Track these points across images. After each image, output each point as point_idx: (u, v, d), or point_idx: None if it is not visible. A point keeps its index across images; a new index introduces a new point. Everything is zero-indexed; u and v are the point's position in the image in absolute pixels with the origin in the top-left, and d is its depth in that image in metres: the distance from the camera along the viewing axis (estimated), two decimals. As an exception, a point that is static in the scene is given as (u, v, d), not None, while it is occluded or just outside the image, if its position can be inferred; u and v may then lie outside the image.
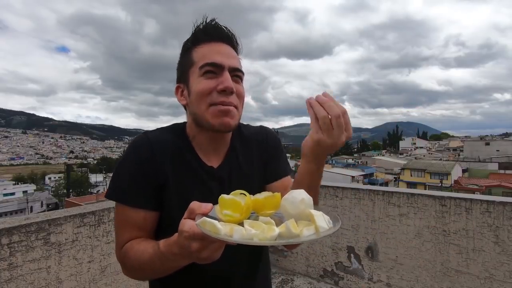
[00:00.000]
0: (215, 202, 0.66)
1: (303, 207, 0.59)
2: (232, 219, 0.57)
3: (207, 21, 0.82)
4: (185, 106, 0.86)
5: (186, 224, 0.57)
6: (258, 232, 0.51)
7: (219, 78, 0.77)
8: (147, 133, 0.84)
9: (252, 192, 0.72)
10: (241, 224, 0.56)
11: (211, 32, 0.81)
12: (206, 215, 0.58)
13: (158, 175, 0.79)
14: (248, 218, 0.59)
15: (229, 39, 0.83)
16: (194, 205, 0.59)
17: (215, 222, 0.52)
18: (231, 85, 0.77)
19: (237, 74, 0.81)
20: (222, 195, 0.60)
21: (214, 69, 0.77)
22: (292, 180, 0.88)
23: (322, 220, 0.55)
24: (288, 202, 0.60)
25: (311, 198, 0.61)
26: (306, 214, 0.58)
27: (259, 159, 0.94)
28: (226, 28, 0.83)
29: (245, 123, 0.98)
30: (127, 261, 0.76)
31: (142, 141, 0.81)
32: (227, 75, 0.77)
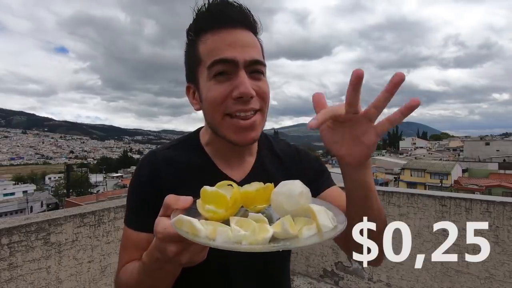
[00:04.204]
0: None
1: (302, 202, 0.48)
2: (216, 216, 0.47)
3: (210, 1, 0.64)
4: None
5: (160, 224, 0.47)
6: (247, 233, 0.40)
7: (233, 80, 0.62)
8: (156, 152, 0.74)
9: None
10: (227, 222, 0.46)
11: (217, 16, 0.63)
12: (185, 210, 0.48)
13: (164, 197, 0.70)
14: (236, 214, 0.50)
15: (243, 20, 0.64)
16: (170, 199, 0.49)
17: (194, 220, 0.42)
18: (249, 89, 0.61)
19: (256, 68, 0.64)
20: (204, 186, 0.50)
21: (225, 68, 0.62)
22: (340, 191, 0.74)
23: (325, 218, 0.45)
24: (284, 196, 0.49)
25: (309, 191, 0.51)
26: (304, 209, 0.48)
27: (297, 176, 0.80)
28: (236, 4, 0.64)
29: None
30: (120, 285, 0.68)
31: (147, 160, 0.72)
32: (242, 75, 0.61)
